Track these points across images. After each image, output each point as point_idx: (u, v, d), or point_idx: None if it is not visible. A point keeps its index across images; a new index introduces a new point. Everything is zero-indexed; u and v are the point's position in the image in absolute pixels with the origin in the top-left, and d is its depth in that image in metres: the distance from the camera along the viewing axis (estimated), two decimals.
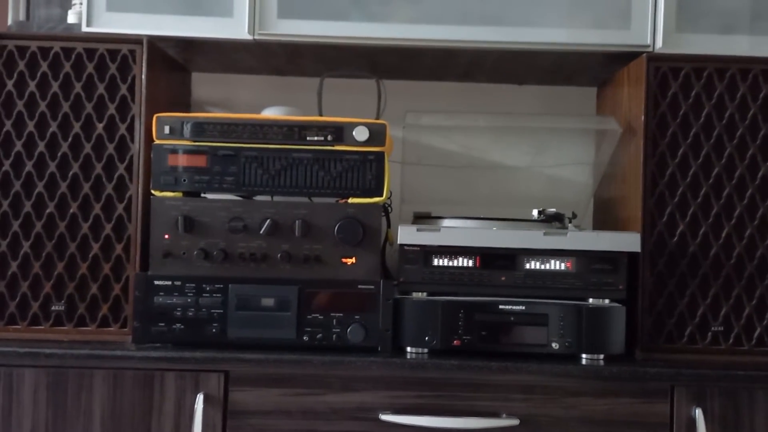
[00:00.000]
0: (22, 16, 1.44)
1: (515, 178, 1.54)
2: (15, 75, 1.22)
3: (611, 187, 1.43)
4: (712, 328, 1.22)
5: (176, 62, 1.46)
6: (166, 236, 1.18)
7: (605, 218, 1.47)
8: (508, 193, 1.52)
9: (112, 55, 1.22)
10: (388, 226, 1.39)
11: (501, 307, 1.17)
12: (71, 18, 1.35)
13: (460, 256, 1.19)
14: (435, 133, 1.47)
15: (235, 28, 1.27)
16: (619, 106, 1.38)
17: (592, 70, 1.45)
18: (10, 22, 1.42)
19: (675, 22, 1.27)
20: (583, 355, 1.17)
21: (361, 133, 1.18)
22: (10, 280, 1.21)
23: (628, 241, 1.18)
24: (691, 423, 1.13)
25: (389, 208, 1.40)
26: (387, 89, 1.40)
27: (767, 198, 1.22)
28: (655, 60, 1.24)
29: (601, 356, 1.17)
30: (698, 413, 1.12)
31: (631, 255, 1.21)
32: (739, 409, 1.14)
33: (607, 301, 1.19)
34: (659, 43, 1.26)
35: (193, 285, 1.16)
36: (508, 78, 1.57)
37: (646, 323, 1.22)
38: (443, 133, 1.48)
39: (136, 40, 1.23)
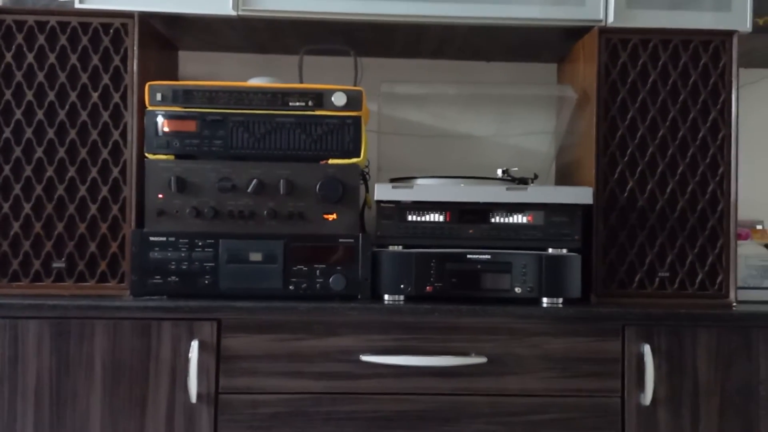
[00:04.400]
0: None
1: (483, 148, 1.66)
2: (13, 47, 1.29)
3: (570, 154, 1.55)
4: (659, 275, 1.35)
5: (165, 39, 1.54)
6: (160, 196, 1.27)
7: (564, 184, 1.59)
8: (476, 162, 1.64)
9: (105, 28, 1.31)
10: (366, 191, 1.50)
11: (469, 256, 1.28)
12: None
13: (432, 211, 1.30)
14: (409, 104, 1.58)
15: (219, 4, 1.36)
16: (576, 78, 1.51)
17: (553, 45, 1.57)
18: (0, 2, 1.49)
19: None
20: (544, 299, 1.29)
21: (339, 99, 1.29)
22: (12, 239, 1.29)
23: (582, 194, 1.31)
24: (640, 358, 1.24)
25: (367, 176, 1.51)
26: (363, 66, 1.50)
27: (706, 156, 1.36)
28: (606, 33, 1.36)
29: (560, 300, 1.29)
30: (646, 349, 1.24)
31: (586, 209, 1.33)
32: (683, 345, 1.25)
33: (564, 250, 1.31)
34: (611, 18, 1.38)
35: (186, 241, 1.26)
36: (477, 55, 1.68)
37: (600, 271, 1.34)
38: (416, 104, 1.59)
39: (127, 14, 1.31)
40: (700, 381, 1.25)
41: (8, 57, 1.29)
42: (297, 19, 1.39)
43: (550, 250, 1.31)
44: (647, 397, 1.23)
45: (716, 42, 1.35)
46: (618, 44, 1.35)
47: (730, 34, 1.36)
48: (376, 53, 1.65)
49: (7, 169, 1.29)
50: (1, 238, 1.29)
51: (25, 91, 1.29)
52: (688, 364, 1.25)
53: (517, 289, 1.28)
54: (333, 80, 1.39)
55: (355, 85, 1.42)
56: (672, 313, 1.26)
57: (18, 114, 1.29)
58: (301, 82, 1.43)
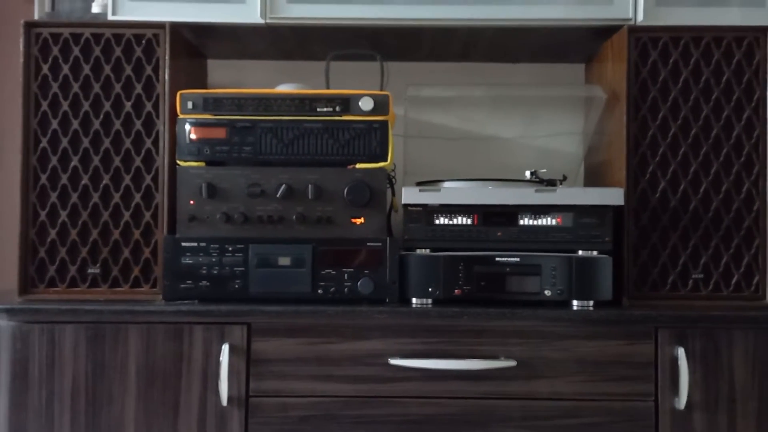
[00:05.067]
0: (47, 9, 1.56)
1: (510, 150, 1.65)
2: (50, 59, 1.33)
3: (599, 154, 1.53)
4: (693, 276, 1.33)
5: (194, 47, 1.57)
6: (192, 202, 1.30)
7: (593, 185, 1.57)
8: (504, 164, 1.63)
9: (138, 39, 1.34)
10: (393, 194, 1.50)
11: (497, 259, 1.27)
12: (95, 8, 1.46)
13: (460, 214, 1.30)
14: (435, 107, 1.57)
15: (248, 13, 1.38)
16: (605, 78, 1.49)
17: (580, 45, 1.56)
18: (36, 16, 1.53)
19: None
20: (574, 302, 1.28)
21: (366, 103, 1.30)
22: (49, 246, 1.33)
23: (613, 195, 1.29)
24: (674, 361, 1.22)
25: (394, 180, 1.51)
26: (389, 70, 1.50)
27: (741, 155, 1.33)
28: (636, 31, 1.34)
29: (591, 303, 1.28)
30: (680, 352, 1.21)
31: (617, 210, 1.31)
32: (719, 348, 1.23)
33: (595, 252, 1.30)
34: (640, 17, 1.36)
35: (217, 246, 1.28)
36: (503, 57, 1.67)
37: (631, 273, 1.32)
38: (442, 107, 1.59)
39: (159, 25, 1.34)
40: (736, 385, 1.22)
41: (45, 69, 1.33)
42: (323, 26, 1.40)
43: (581, 252, 1.30)
44: (682, 401, 1.20)
45: (750, 38, 1.33)
46: (648, 43, 1.34)
47: (764, 30, 1.33)
48: (401, 57, 1.65)
49: (44, 177, 1.33)
50: (38, 245, 1.32)
51: (60, 102, 1.33)
52: (723, 368, 1.23)
53: (547, 292, 1.27)
54: (359, 85, 1.40)
55: (381, 90, 1.43)
56: (707, 315, 1.24)
57: (54, 124, 1.33)
58: (328, 87, 1.44)
